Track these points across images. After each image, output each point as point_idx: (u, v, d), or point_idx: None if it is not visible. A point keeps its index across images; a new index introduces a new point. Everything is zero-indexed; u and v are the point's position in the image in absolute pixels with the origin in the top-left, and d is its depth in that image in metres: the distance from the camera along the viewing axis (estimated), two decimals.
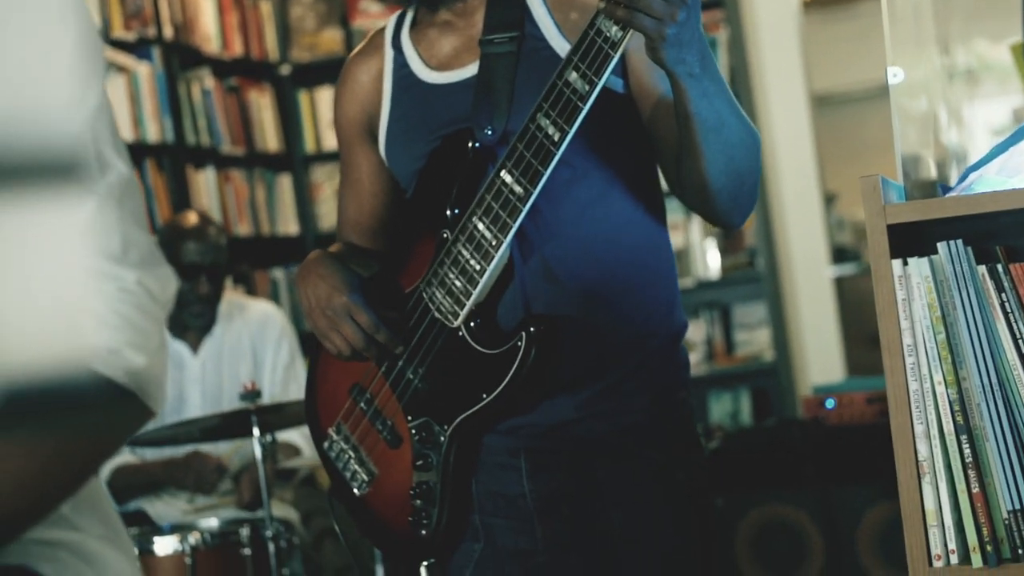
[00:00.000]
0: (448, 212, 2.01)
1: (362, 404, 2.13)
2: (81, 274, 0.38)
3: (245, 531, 3.35)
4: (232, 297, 4.12)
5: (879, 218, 1.66)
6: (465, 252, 1.97)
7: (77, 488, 1.17)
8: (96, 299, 0.39)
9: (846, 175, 7.73)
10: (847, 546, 3.71)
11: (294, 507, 3.95)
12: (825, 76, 7.25)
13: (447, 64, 2.09)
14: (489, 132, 2.00)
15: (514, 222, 1.92)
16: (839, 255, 6.83)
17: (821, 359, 5.79)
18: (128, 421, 1.06)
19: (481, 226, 1.95)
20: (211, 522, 3.46)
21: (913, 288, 1.65)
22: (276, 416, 3.33)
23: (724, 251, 5.83)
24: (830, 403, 3.90)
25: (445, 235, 2.01)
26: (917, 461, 1.62)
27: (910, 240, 1.70)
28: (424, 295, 2.03)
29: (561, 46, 1.99)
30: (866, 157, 7.82)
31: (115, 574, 1.22)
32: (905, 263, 1.66)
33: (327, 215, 5.96)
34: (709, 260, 5.80)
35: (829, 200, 6.62)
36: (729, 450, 4.04)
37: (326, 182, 6.04)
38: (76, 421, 0.41)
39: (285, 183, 6.00)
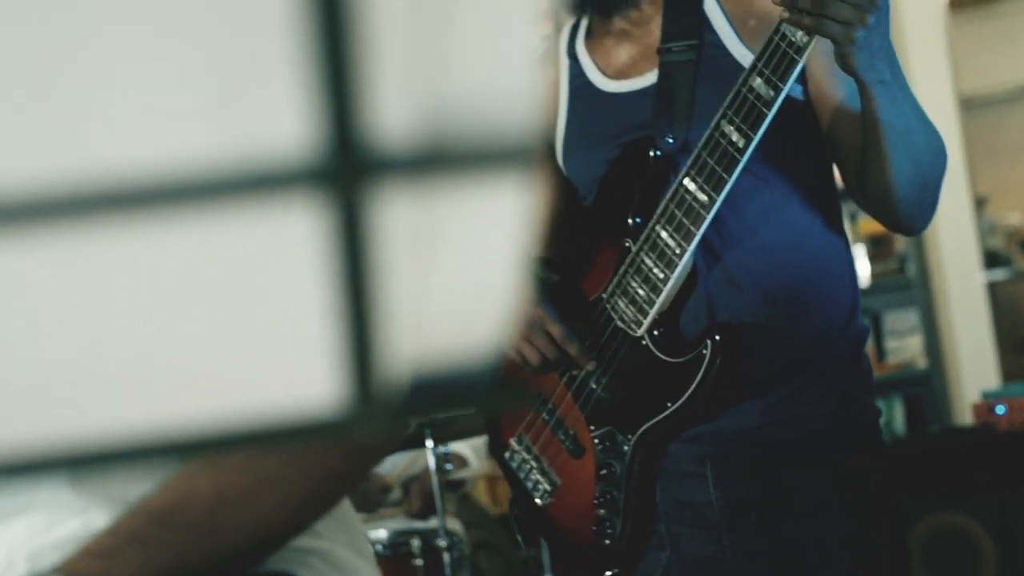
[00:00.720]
0: (630, 221, 2.01)
1: (544, 414, 2.14)
2: (507, 264, 0.38)
3: (416, 541, 3.39)
4: None
5: None
6: (648, 261, 1.97)
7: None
8: (507, 292, 0.39)
9: (996, 178, 7.59)
10: (1022, 555, 3.63)
11: (457, 518, 3.97)
12: (972, 78, 7.12)
13: (624, 73, 2.10)
14: (670, 140, 1.99)
15: (698, 230, 1.92)
16: (991, 260, 6.69)
17: (975, 365, 5.67)
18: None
19: (664, 235, 1.95)
20: (380, 532, 3.49)
21: None
22: (448, 428, 3.36)
23: (874, 258, 5.75)
24: (1000, 409, 3.82)
25: (627, 244, 2.01)
26: None
27: None
28: (607, 304, 2.04)
29: (741, 53, 1.98)
30: (1016, 159, 7.66)
31: None
32: None
33: None
34: (859, 267, 5.72)
35: (979, 204, 6.49)
36: (896, 457, 3.98)
37: None
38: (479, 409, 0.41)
39: None
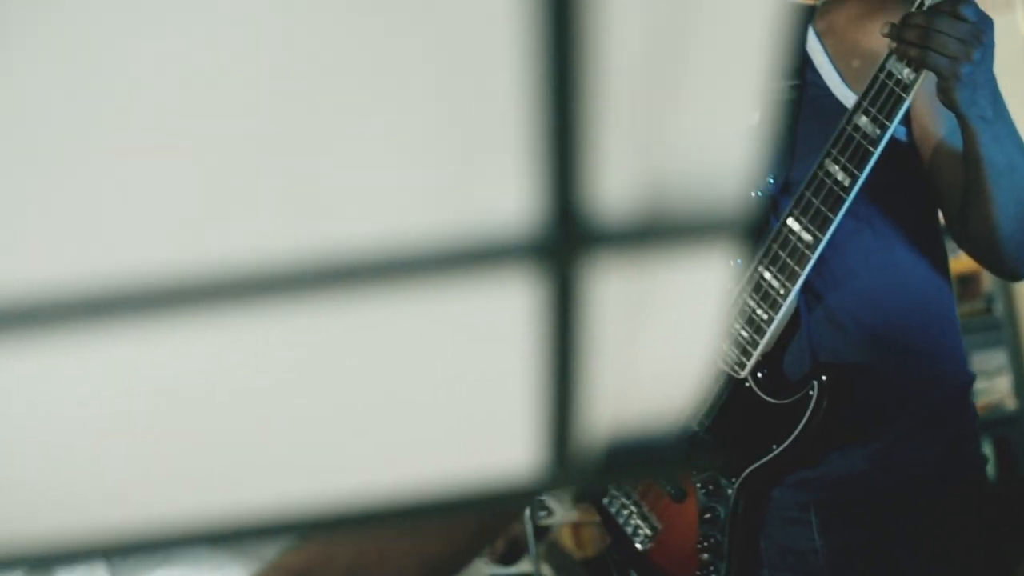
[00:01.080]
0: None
1: None
2: (708, 334, 0.38)
3: None
4: None
5: None
6: (751, 302, 1.95)
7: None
8: (704, 361, 0.39)
9: None
10: None
11: (547, 562, 3.96)
12: None
13: None
14: (771, 181, 1.98)
15: (803, 270, 1.90)
16: None
17: None
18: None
19: (768, 275, 1.93)
20: None
21: None
22: None
23: (960, 297, 5.66)
24: None
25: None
26: None
27: None
28: None
29: (844, 94, 1.96)
30: None
31: None
32: None
33: None
34: None
35: None
36: (998, 500, 3.92)
37: None
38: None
39: None
